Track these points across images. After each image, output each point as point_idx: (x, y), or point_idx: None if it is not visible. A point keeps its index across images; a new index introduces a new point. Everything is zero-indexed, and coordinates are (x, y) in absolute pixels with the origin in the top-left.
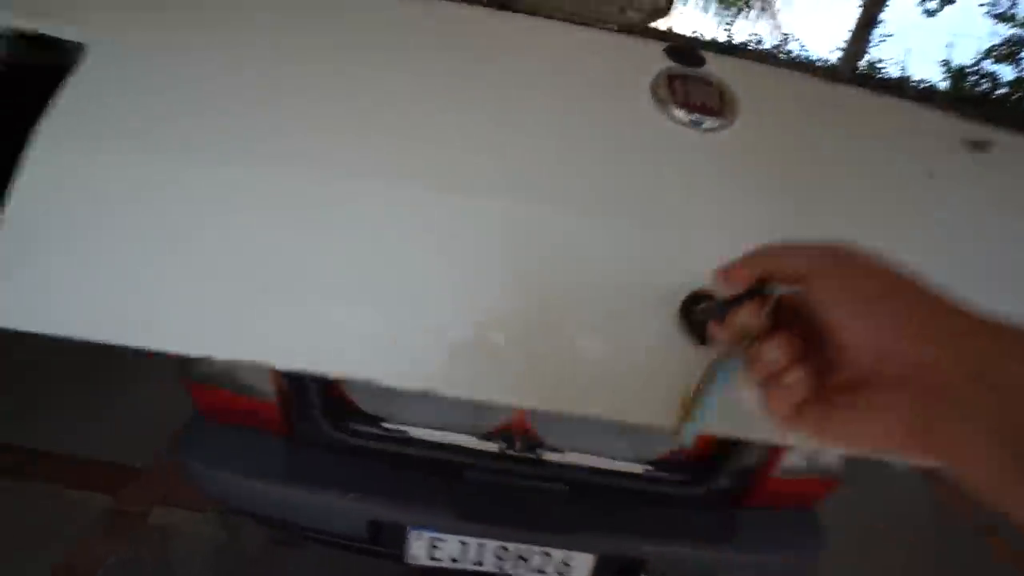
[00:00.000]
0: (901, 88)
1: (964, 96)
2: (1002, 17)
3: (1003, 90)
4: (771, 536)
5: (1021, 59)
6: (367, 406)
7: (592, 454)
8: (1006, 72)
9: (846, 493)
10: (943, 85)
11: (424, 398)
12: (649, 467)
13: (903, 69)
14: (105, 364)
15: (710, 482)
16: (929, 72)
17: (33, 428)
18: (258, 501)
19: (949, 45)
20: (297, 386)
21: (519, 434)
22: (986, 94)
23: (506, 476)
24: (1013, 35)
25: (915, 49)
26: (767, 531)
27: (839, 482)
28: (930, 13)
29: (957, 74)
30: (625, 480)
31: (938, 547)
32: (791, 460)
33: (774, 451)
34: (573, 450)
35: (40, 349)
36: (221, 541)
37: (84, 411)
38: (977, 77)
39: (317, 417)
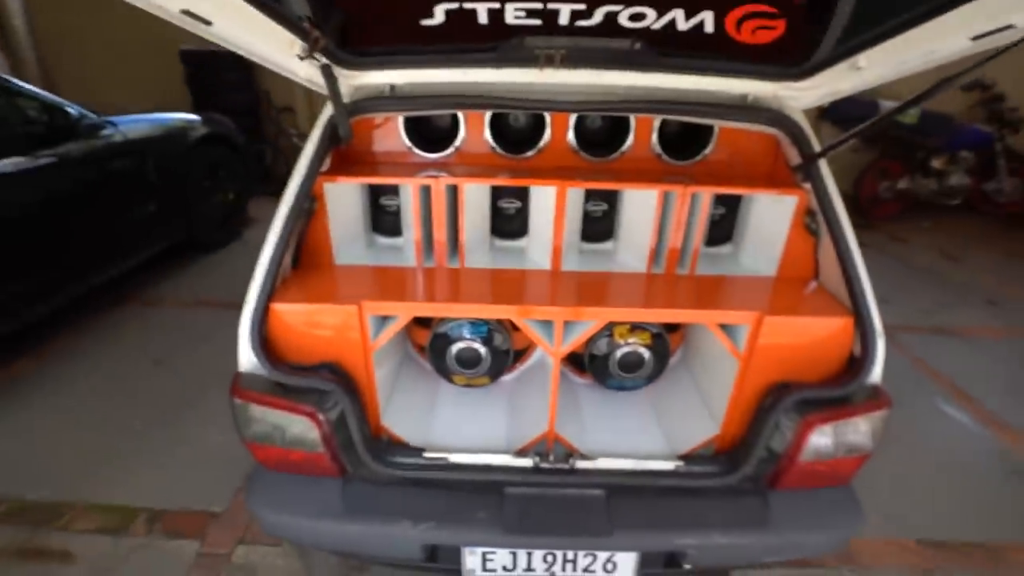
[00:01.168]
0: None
1: None
2: None
3: None
4: (806, 516)
5: None
6: (411, 438)
7: (623, 457)
8: None
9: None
10: None
11: (460, 424)
12: (680, 462)
13: None
14: (161, 419)
15: (741, 470)
16: None
17: (125, 483)
18: (319, 538)
19: None
20: (341, 435)
21: (550, 446)
22: None
23: (544, 488)
24: None
25: None
26: (802, 512)
27: (869, 455)
28: None
29: None
30: (658, 477)
31: (1003, 493)
32: (818, 442)
33: (801, 435)
34: (605, 455)
35: (98, 412)
36: (298, 571)
37: (157, 464)
38: None
39: (362, 457)
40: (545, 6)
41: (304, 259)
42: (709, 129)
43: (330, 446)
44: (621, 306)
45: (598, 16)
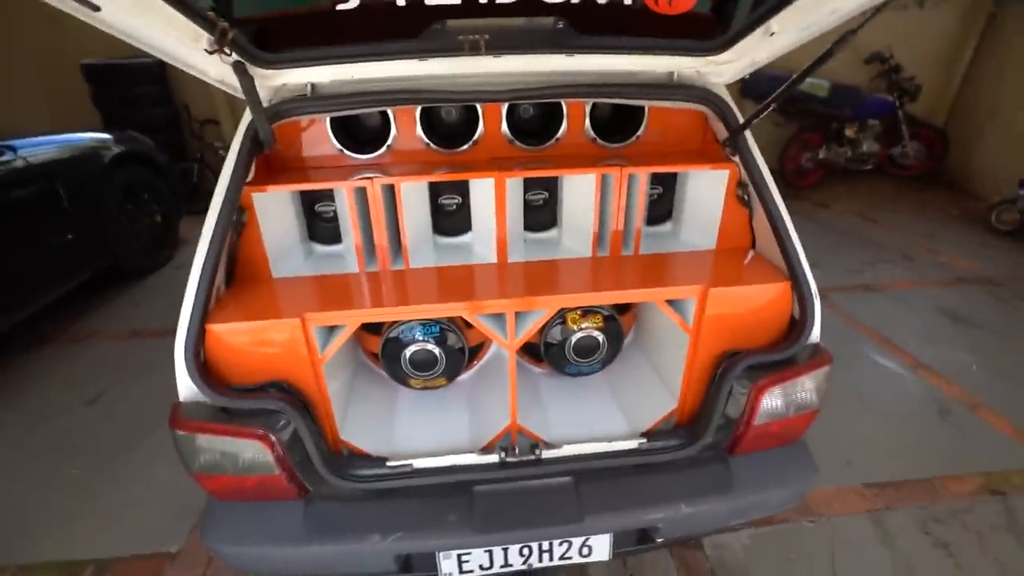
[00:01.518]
0: None
1: None
2: None
3: None
4: (766, 476)
5: None
6: (373, 449)
7: (587, 441)
8: None
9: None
10: None
11: (422, 428)
12: (643, 439)
13: None
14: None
15: (701, 440)
16: None
17: (67, 537)
18: (286, 565)
19: None
20: (297, 454)
21: (515, 439)
22: None
23: (512, 482)
24: None
25: None
26: (762, 472)
27: (818, 411)
28: None
29: None
30: (623, 457)
31: (936, 431)
32: (770, 404)
33: (754, 399)
34: (569, 442)
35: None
36: None
37: (101, 510)
38: None
39: (322, 474)
40: None
41: (239, 274)
42: (640, 111)
43: (286, 467)
44: (570, 292)
45: None
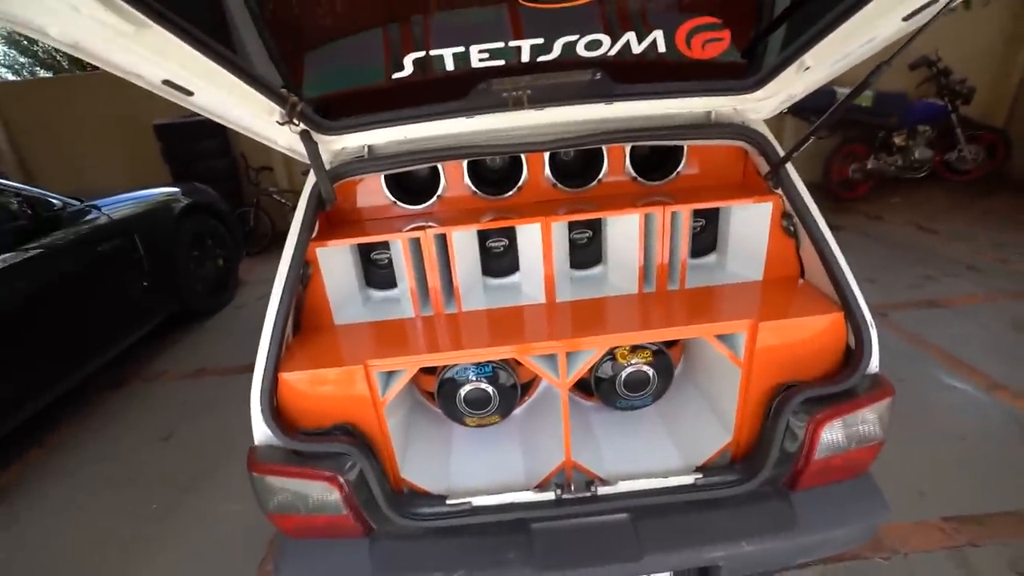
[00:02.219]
0: None
1: None
2: None
3: None
4: (831, 512)
5: None
6: (432, 487)
7: (642, 477)
8: None
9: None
10: None
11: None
12: (699, 474)
13: None
14: (177, 498)
15: (760, 475)
16: None
17: (151, 570)
18: None
19: None
20: (362, 494)
21: (570, 476)
22: None
23: (569, 519)
24: None
25: None
26: (827, 508)
27: (882, 443)
28: None
29: None
30: (680, 493)
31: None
32: (830, 437)
33: (812, 434)
34: (624, 478)
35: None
36: None
37: (180, 545)
38: None
39: (386, 512)
40: (506, 44)
41: (305, 323)
42: (679, 148)
43: (353, 507)
44: (619, 331)
45: (557, 49)
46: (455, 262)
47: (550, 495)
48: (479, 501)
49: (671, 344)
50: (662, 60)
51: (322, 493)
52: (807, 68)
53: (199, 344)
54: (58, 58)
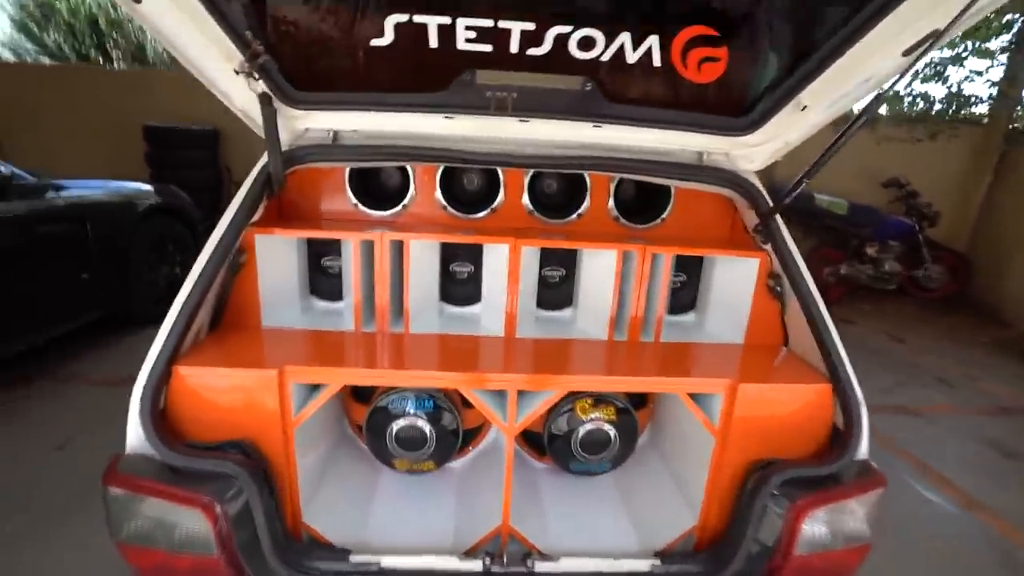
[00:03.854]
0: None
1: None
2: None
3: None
4: None
5: (947, 76)
6: (338, 538)
7: (590, 556)
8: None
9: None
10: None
11: (401, 518)
12: (656, 561)
13: None
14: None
15: (728, 569)
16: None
17: None
18: None
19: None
20: (243, 533)
21: (504, 544)
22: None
23: None
24: (931, 58)
25: None
26: None
27: (869, 546)
28: None
29: (893, 98)
30: None
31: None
32: (812, 530)
33: (793, 522)
34: (568, 555)
35: None
36: None
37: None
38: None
39: (270, 562)
40: (496, 24)
41: (227, 319)
42: (666, 193)
43: (228, 548)
44: (582, 374)
45: (548, 41)
46: (408, 275)
47: (476, 565)
48: (390, 562)
49: (639, 405)
50: (656, 81)
51: (192, 523)
52: (804, 108)
53: (131, 352)
54: (65, 51)
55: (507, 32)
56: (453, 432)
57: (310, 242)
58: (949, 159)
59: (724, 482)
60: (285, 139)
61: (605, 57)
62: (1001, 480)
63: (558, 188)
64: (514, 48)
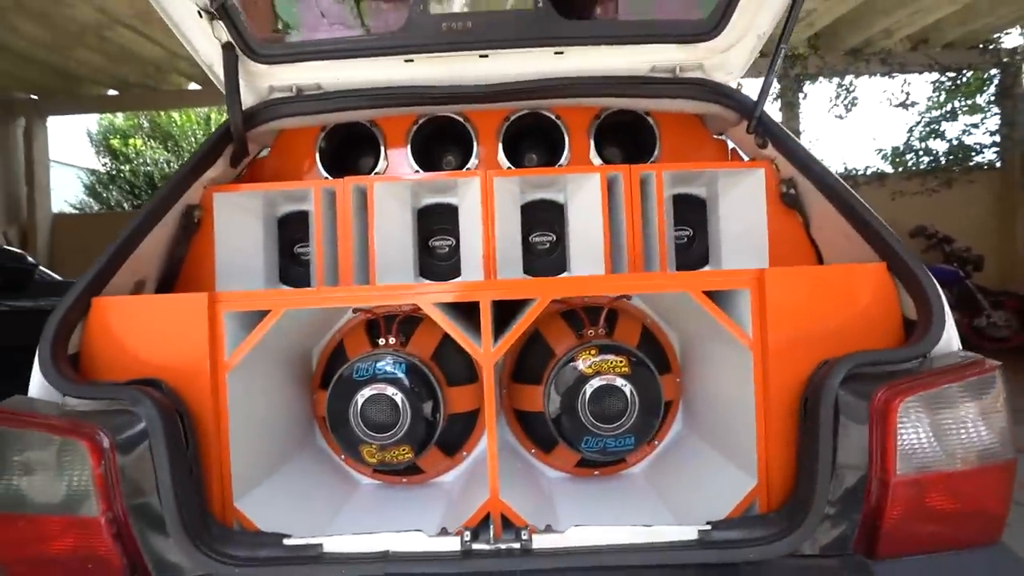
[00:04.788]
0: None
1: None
2: (903, 105)
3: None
4: None
5: (943, 131)
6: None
7: (612, 526)
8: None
9: None
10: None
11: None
12: (706, 526)
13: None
14: None
15: (806, 523)
16: (865, 160)
17: None
18: None
19: (874, 138)
20: (135, 486)
21: (498, 522)
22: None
23: None
24: (922, 115)
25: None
26: None
27: (1013, 462)
28: (840, 117)
29: (895, 156)
30: (673, 552)
31: None
32: (913, 434)
33: (884, 418)
34: (580, 525)
35: None
36: None
37: None
38: (912, 154)
39: (172, 535)
40: None
41: (179, 288)
42: (652, 140)
43: (113, 508)
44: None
45: None
46: (373, 226)
47: (453, 543)
48: (334, 545)
49: (662, 369)
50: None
51: (68, 465)
52: None
53: None
54: (125, 207)
55: None
56: (432, 406)
57: (282, 227)
58: (971, 204)
59: (778, 411)
60: (249, 100)
61: None
62: None
63: (535, 140)
64: None
